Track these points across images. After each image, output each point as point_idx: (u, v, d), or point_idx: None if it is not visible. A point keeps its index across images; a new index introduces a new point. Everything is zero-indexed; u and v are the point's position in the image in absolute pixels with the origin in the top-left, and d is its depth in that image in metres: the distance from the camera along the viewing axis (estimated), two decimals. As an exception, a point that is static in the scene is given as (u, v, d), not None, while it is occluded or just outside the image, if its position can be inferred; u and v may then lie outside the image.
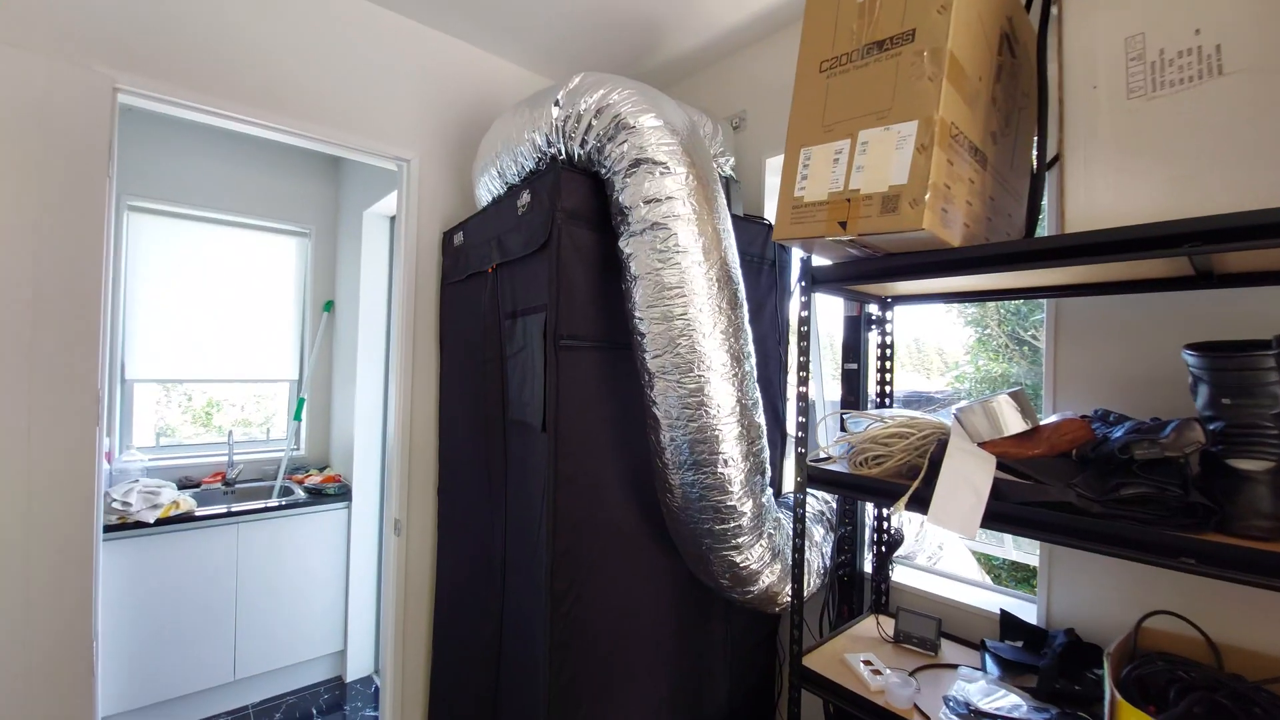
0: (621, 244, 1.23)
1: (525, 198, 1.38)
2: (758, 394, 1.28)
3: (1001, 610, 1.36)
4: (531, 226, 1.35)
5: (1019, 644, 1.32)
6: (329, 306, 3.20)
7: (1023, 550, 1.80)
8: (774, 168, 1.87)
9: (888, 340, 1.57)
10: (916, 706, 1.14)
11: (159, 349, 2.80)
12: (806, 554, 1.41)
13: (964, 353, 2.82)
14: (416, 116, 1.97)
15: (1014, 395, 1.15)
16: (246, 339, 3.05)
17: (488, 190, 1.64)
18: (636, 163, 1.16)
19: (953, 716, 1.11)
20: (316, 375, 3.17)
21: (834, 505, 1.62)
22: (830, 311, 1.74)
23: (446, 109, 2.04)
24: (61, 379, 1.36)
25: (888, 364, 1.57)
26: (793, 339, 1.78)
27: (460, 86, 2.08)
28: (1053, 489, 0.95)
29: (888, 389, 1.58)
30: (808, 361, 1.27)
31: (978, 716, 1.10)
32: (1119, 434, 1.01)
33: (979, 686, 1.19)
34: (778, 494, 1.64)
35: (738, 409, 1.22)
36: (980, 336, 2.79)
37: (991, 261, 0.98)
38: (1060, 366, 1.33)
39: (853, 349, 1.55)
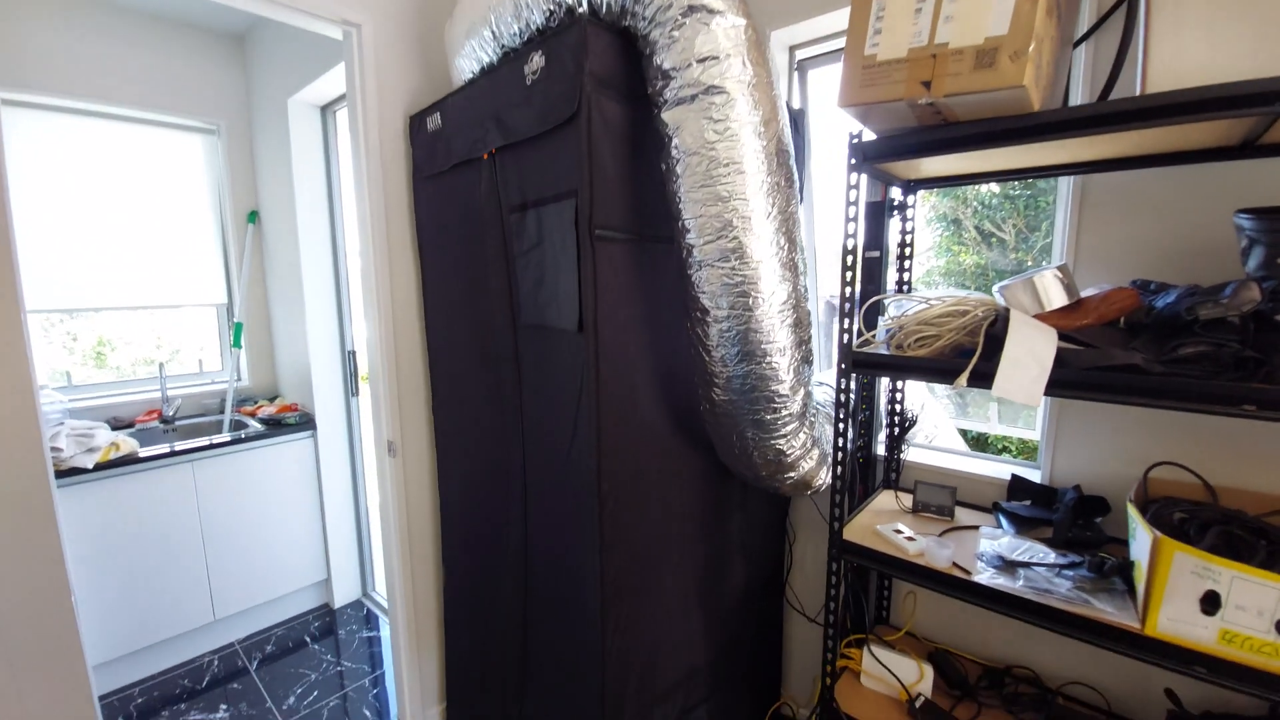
0: (665, 115, 1.09)
1: (537, 61, 1.18)
2: (808, 281, 1.23)
3: (1013, 475, 1.47)
4: (548, 97, 1.17)
5: (1027, 503, 1.45)
6: (253, 217, 2.79)
7: (1004, 424, 1.96)
8: (781, 41, 1.71)
9: (909, 227, 1.55)
10: (956, 564, 1.23)
11: (53, 273, 2.35)
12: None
13: (927, 248, 2.89)
14: (362, -32, 1.62)
15: (1060, 270, 1.16)
16: (160, 259, 2.62)
17: (474, 58, 1.40)
18: (689, 9, 0.99)
19: (990, 569, 1.21)
20: (251, 297, 2.81)
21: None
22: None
23: (398, -40, 1.70)
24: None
25: (908, 251, 1.56)
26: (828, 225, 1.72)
27: (410, -68, 1.72)
28: (1116, 354, 0.99)
29: (906, 276, 1.58)
30: (856, 248, 1.23)
31: (1014, 567, 1.20)
32: (1169, 300, 1.05)
33: (1005, 542, 1.29)
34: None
35: (792, 298, 1.17)
36: (948, 232, 2.86)
37: (1086, 124, 0.93)
38: (1082, 245, 1.36)
39: (875, 237, 1.52)
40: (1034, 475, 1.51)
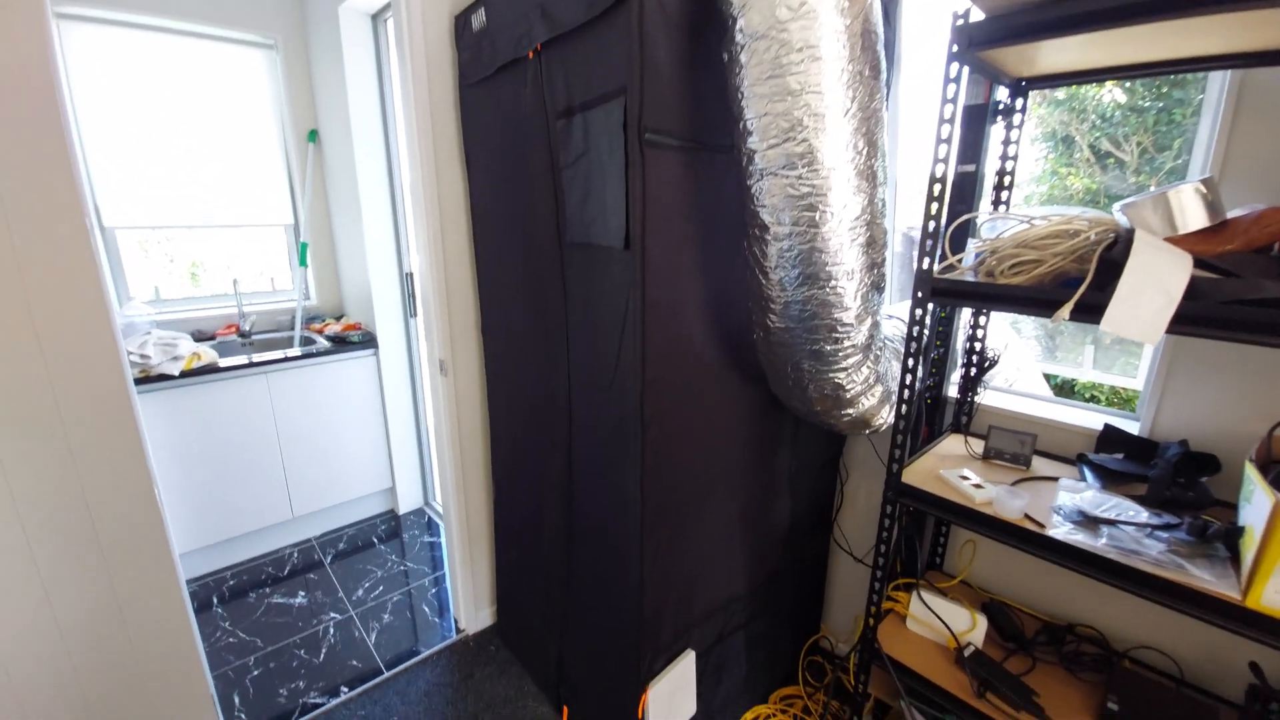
0: (730, -8, 0.94)
1: (586, -65, 1.03)
2: (887, 193, 1.08)
3: (1106, 424, 1.32)
4: (597, -23, 1.03)
5: (1119, 456, 1.30)
6: (313, 136, 2.79)
7: (1099, 370, 1.75)
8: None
9: (1013, 138, 1.33)
10: (1028, 516, 1.12)
11: (131, 191, 2.46)
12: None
13: (1028, 174, 2.55)
14: None
15: (1203, 184, 0.96)
16: (229, 179, 2.69)
17: (519, -60, 1.26)
18: None
19: (1067, 524, 1.10)
20: (314, 218, 2.87)
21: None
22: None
23: None
24: (42, 218, 1.12)
25: (1009, 167, 1.35)
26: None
27: None
28: (1267, 285, 0.81)
29: (1005, 198, 1.38)
30: (949, 157, 1.06)
31: (1097, 523, 1.08)
32: (1347, 220, 0.85)
33: (1089, 496, 1.17)
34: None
35: (866, 213, 1.03)
36: (1055, 152, 2.50)
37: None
38: (1232, 156, 1.12)
39: (972, 148, 1.32)
40: (1131, 427, 1.34)
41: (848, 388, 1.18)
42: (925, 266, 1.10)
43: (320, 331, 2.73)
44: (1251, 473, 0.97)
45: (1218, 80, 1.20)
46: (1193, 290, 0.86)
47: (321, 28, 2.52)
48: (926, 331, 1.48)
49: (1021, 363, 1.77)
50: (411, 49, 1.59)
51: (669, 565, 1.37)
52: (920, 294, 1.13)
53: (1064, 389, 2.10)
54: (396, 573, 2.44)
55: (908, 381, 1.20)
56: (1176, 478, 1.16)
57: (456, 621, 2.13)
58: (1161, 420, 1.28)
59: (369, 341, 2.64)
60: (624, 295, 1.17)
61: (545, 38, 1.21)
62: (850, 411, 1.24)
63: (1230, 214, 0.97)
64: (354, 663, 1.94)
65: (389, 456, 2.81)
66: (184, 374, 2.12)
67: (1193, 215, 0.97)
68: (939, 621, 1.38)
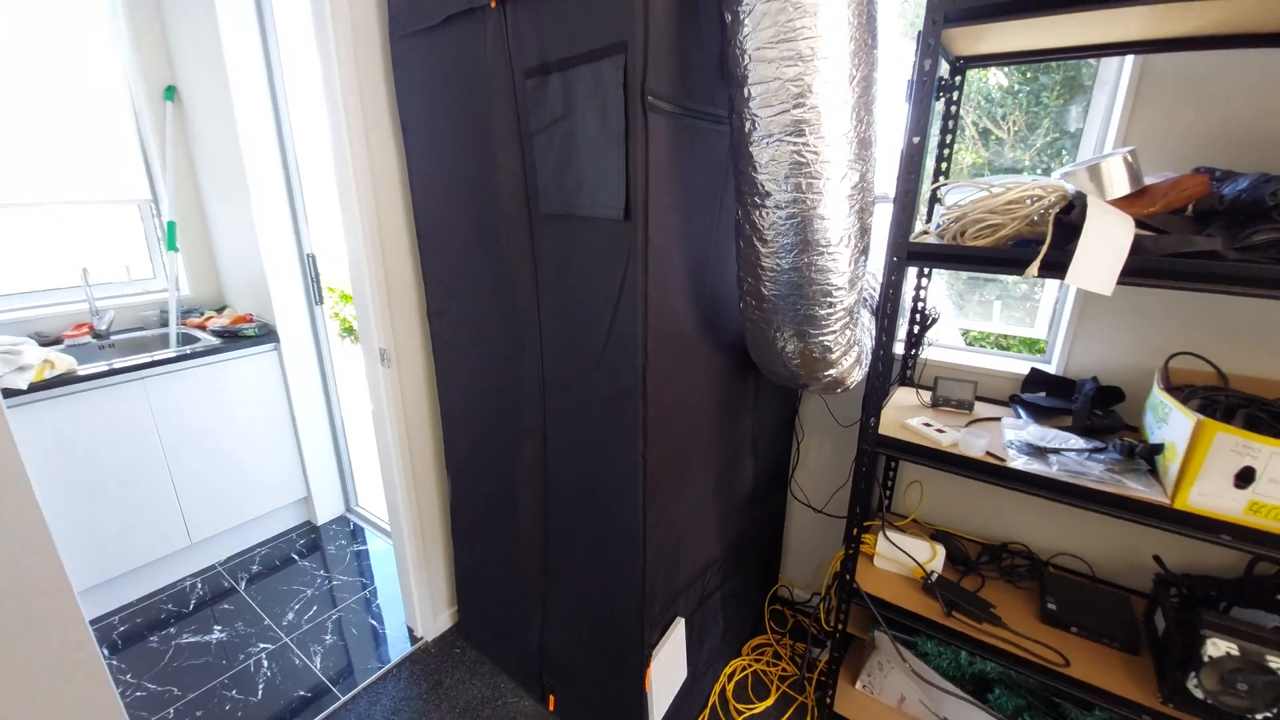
0: (736, -51, 0.91)
1: (571, -126, 0.95)
2: (875, 160, 1.13)
3: (1032, 368, 1.51)
4: (586, -78, 0.96)
5: (1043, 395, 1.50)
6: (170, 93, 2.35)
7: (1006, 321, 2.00)
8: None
9: (952, 111, 1.45)
10: (989, 453, 1.26)
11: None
12: (865, 339, 1.42)
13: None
14: None
15: (1130, 155, 1.11)
16: (60, 147, 2.18)
17: (473, -126, 1.13)
18: None
19: (1022, 455, 1.25)
20: (180, 192, 2.43)
21: (874, 290, 1.62)
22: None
23: None
24: None
25: (949, 138, 1.47)
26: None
27: None
28: (1197, 240, 0.97)
29: (945, 168, 1.50)
30: (915, 135, 1.13)
31: (1044, 453, 1.24)
32: (1240, 188, 1.03)
33: (1032, 430, 1.34)
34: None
35: (862, 182, 1.07)
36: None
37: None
38: (1133, 131, 1.31)
39: (920, 119, 1.41)
40: (1045, 369, 1.55)
41: (833, 349, 1.24)
42: (902, 231, 1.18)
43: (202, 326, 2.34)
44: (1166, 398, 1.16)
45: (1113, 65, 1.39)
46: (1136, 246, 0.99)
47: (173, -38, 2.11)
48: (914, 295, 1.59)
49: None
50: (327, -7, 1.38)
51: (661, 537, 1.37)
52: (896, 258, 1.21)
53: (974, 342, 2.38)
54: (328, 589, 2.21)
55: (882, 339, 1.28)
56: (1093, 409, 1.37)
57: (411, 630, 1.98)
58: (1073, 361, 1.50)
59: (267, 335, 2.31)
60: (619, 268, 1.13)
61: (514, -13, 1.10)
62: (831, 373, 1.31)
63: (1147, 181, 1.13)
64: (301, 693, 1.74)
65: (301, 463, 2.51)
66: (33, 386, 1.72)
67: (1118, 183, 1.12)
68: (904, 556, 1.52)
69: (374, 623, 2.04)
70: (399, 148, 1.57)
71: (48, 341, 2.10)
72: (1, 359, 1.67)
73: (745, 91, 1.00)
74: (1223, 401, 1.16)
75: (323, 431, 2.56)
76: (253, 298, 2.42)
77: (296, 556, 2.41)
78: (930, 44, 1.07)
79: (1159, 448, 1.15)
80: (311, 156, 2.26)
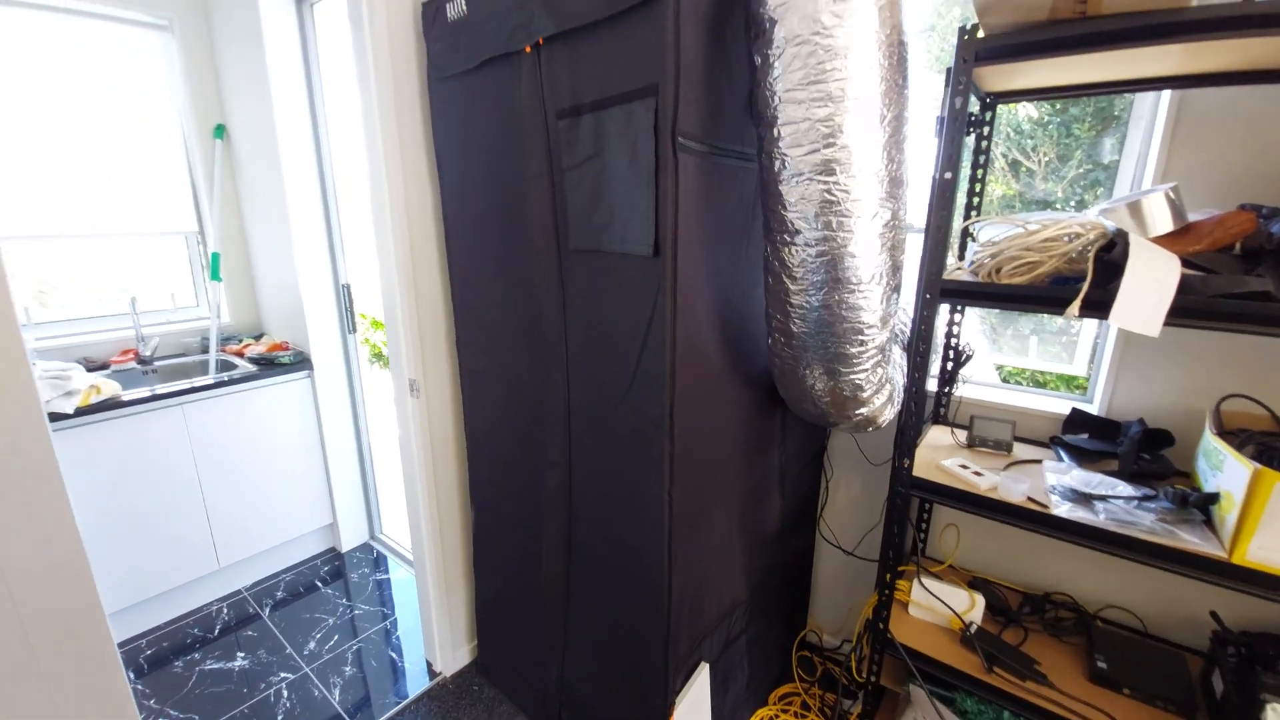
0: (767, -3, 0.93)
1: (606, -71, 0.98)
2: (906, 198, 1.12)
3: (1073, 408, 1.45)
4: (621, -28, 0.99)
5: (1085, 436, 1.44)
6: (220, 132, 2.48)
7: (1043, 358, 1.94)
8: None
9: (984, 146, 1.44)
10: (1031, 499, 1.21)
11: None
12: (898, 376, 1.39)
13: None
14: None
15: (1172, 191, 1.09)
16: (118, 181, 2.31)
17: (512, -71, 1.18)
18: None
19: (1066, 502, 1.19)
20: (225, 224, 2.54)
21: (905, 325, 1.59)
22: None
23: None
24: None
25: (980, 173, 1.46)
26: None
27: None
28: (1248, 280, 0.93)
29: (977, 202, 1.48)
30: (948, 171, 1.12)
31: (1090, 500, 1.18)
32: (1294, 222, 0.99)
33: (1075, 475, 1.28)
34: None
35: (893, 220, 1.06)
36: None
37: (1260, 24, 0.82)
38: (1173, 167, 1.28)
39: (951, 155, 1.40)
40: (1085, 409, 1.49)
41: (865, 388, 1.21)
42: (935, 268, 1.16)
43: (240, 353, 2.42)
44: (1219, 444, 1.10)
45: (1149, 99, 1.37)
46: (1183, 286, 0.96)
47: (229, 9, 2.24)
48: (947, 332, 1.56)
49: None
50: (372, 37, 1.45)
51: (685, 574, 1.34)
52: (929, 295, 1.19)
53: (1009, 378, 2.32)
54: (350, 618, 2.21)
55: (915, 377, 1.25)
56: (1140, 453, 1.31)
57: (430, 664, 1.95)
58: (1117, 401, 1.44)
59: (302, 362, 2.37)
60: (648, 304, 1.13)
61: (550, 32, 1.14)
62: (862, 411, 1.28)
63: (1190, 217, 1.10)
64: (319, 726, 1.73)
65: (329, 489, 2.54)
66: (80, 410, 1.79)
67: (1161, 220, 1.09)
68: (940, 604, 1.45)
69: (394, 655, 2.03)
70: (434, 183, 1.62)
71: (95, 366, 2.18)
72: (51, 384, 1.74)
73: (775, 131, 1.01)
74: (1276, 449, 1.09)
75: (350, 458, 2.59)
76: (289, 326, 2.50)
77: (320, 584, 2.41)
78: (961, 83, 1.07)
79: (1214, 497, 1.09)
80: (350, 189, 2.35)
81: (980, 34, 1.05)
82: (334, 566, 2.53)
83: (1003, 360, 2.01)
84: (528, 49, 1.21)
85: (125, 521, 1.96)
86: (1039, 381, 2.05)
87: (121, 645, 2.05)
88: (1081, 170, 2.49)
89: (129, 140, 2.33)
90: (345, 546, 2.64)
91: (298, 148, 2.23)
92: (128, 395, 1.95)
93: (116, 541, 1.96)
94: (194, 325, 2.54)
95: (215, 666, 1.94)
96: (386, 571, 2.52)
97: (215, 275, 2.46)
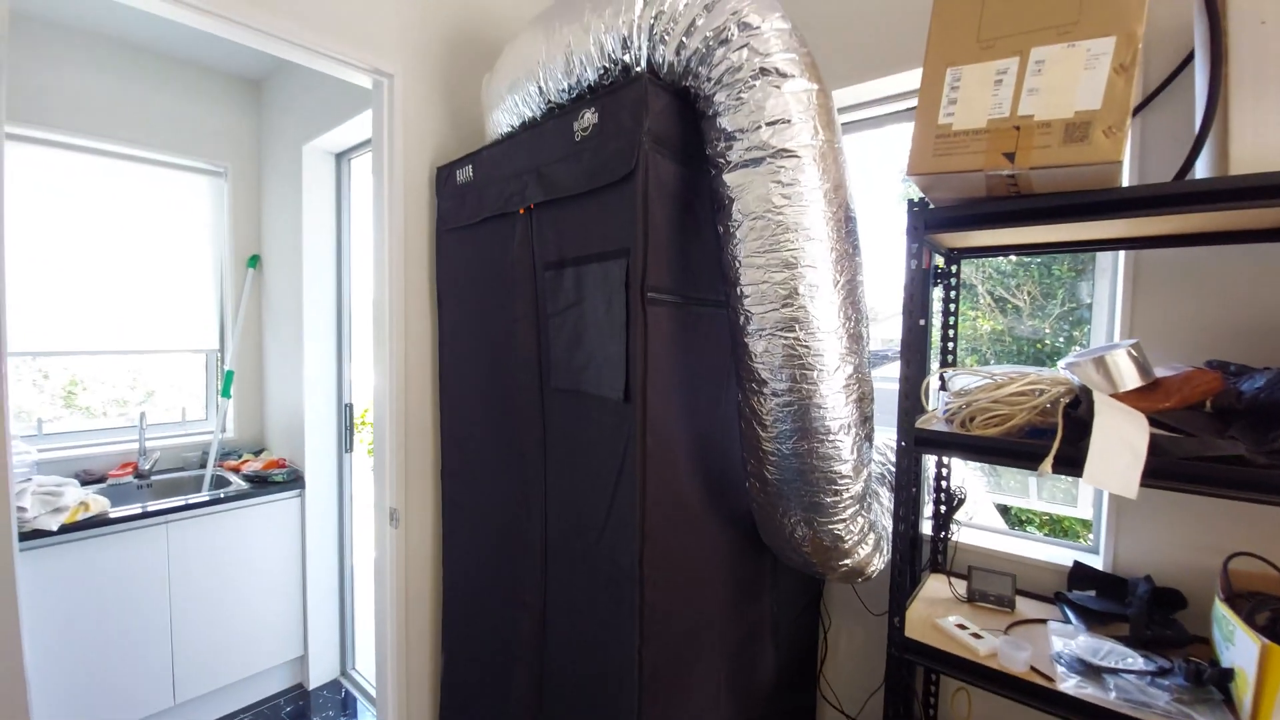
0: (727, 177, 1.04)
1: (589, 118, 1.13)
2: (868, 354, 1.16)
3: (1075, 562, 1.37)
4: (600, 154, 1.12)
5: (1092, 593, 1.34)
6: (254, 262, 2.70)
7: (1044, 500, 1.87)
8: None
9: (952, 296, 1.51)
10: (1034, 669, 1.11)
11: (33, 313, 2.22)
12: (885, 520, 1.34)
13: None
14: (400, 21, 1.60)
15: (1134, 348, 1.11)
16: (150, 301, 2.50)
17: (514, 113, 1.37)
18: (761, 72, 0.96)
19: (1073, 675, 1.09)
20: (244, 344, 2.68)
21: (892, 467, 1.56)
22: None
23: (435, 13, 1.68)
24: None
25: (952, 320, 1.51)
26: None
27: (449, -10, 1.72)
28: (1220, 443, 0.92)
29: (951, 347, 1.52)
30: (917, 323, 1.17)
31: (1099, 673, 1.08)
32: (1257, 385, 1.00)
33: (1082, 642, 1.18)
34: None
35: (857, 374, 1.10)
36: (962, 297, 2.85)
37: (1181, 201, 0.89)
38: (1138, 322, 1.32)
39: (920, 305, 1.47)
40: (1092, 560, 1.41)
41: (845, 538, 1.17)
42: (909, 417, 1.16)
43: (237, 469, 2.43)
44: (1227, 613, 1.02)
45: (1108, 257, 1.44)
46: (1155, 447, 0.95)
47: (279, 159, 2.54)
48: (887, 474, 1.53)
49: (973, 493, 1.86)
50: (390, 193, 1.62)
51: (662, 744, 1.21)
52: (905, 443, 1.18)
53: (1009, 515, 2.22)
54: (304, 770, 2.00)
55: (899, 528, 1.21)
56: (1151, 616, 1.21)
57: (383, 834, 1.73)
58: (1121, 555, 1.36)
59: (294, 481, 2.37)
60: (620, 445, 1.14)
61: (540, 199, 1.27)
62: (847, 562, 1.23)
63: (1157, 372, 1.11)
64: None
65: (304, 618, 2.42)
66: (64, 528, 1.78)
67: (1128, 376, 1.10)
68: (952, 790, 1.28)
69: (344, 821, 1.80)
70: (433, 320, 1.72)
71: (93, 479, 2.21)
72: (41, 500, 1.75)
73: (739, 290, 1.07)
74: None
75: (331, 584, 2.50)
76: (289, 443, 2.53)
77: (279, 727, 2.22)
78: (914, 249, 1.14)
79: (1230, 673, 0.99)
80: (364, 318, 2.49)
81: (931, 205, 1.14)
82: (298, 707, 2.34)
83: (1003, 500, 1.94)
84: (522, 210, 1.34)
85: (87, 647, 1.87)
86: (1055, 519, 1.96)
87: (50, 797, 1.85)
88: (1066, 308, 2.57)
89: (169, 265, 2.54)
90: (313, 683, 2.45)
91: (321, 278, 2.41)
92: (115, 512, 1.95)
93: (72, 669, 1.85)
94: (199, 440, 2.59)
95: (145, 830, 1.74)
96: (355, 715, 2.31)
97: (226, 393, 2.55)
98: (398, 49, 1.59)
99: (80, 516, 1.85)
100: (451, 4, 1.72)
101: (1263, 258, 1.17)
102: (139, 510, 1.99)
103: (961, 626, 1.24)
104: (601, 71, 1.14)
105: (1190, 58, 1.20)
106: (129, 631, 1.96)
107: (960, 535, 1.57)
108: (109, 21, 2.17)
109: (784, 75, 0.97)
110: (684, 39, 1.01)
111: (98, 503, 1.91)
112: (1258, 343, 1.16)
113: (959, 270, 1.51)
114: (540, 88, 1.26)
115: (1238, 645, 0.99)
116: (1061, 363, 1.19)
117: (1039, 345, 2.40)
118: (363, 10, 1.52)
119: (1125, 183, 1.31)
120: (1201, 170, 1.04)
